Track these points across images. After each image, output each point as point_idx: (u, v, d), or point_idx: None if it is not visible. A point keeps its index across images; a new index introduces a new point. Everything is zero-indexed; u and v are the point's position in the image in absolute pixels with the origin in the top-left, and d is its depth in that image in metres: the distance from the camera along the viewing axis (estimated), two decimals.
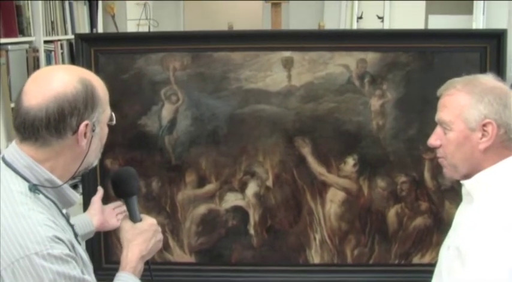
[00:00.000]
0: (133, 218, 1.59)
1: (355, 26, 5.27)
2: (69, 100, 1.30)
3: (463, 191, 1.59)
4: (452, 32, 2.25)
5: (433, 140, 1.60)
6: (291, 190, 2.26)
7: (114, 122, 1.45)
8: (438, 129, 1.59)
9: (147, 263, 1.57)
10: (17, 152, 1.34)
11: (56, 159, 1.34)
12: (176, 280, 2.28)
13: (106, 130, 1.43)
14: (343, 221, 2.26)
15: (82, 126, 1.33)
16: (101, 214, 1.83)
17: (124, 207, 1.70)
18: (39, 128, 1.30)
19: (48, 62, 4.37)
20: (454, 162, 1.55)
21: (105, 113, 1.40)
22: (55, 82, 1.32)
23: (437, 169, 2.18)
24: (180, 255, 2.30)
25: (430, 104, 2.11)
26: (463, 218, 1.56)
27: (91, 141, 1.37)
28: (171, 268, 2.27)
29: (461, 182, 1.58)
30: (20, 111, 1.31)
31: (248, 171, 2.26)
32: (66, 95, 1.30)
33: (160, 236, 1.60)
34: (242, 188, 2.27)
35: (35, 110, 1.29)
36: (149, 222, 1.60)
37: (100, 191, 1.91)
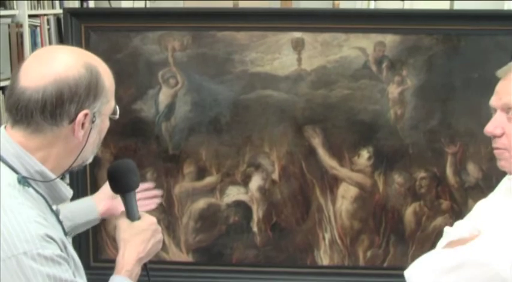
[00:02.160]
0: (130, 215, 1.57)
1: (372, 6, 5.24)
2: (70, 84, 1.29)
3: (507, 184, 1.56)
4: (481, 12, 2.23)
5: (493, 128, 1.52)
6: (299, 184, 2.26)
7: (117, 115, 1.44)
8: (499, 116, 1.51)
9: (144, 265, 1.56)
10: (6, 138, 1.33)
11: (48, 149, 1.33)
12: (172, 281, 2.28)
13: (107, 123, 1.42)
14: (355, 219, 2.27)
15: (81, 115, 1.32)
16: (111, 199, 1.79)
17: (153, 192, 1.66)
18: (34, 111, 1.29)
19: (33, 39, 4.37)
20: None
21: (108, 105, 1.39)
22: (58, 63, 1.31)
23: (460, 164, 2.20)
24: (176, 253, 2.31)
25: (455, 92, 2.17)
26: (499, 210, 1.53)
27: (89, 134, 1.36)
28: (166, 268, 2.28)
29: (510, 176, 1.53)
30: (14, 91, 1.30)
31: (252, 163, 2.26)
32: (68, 78, 1.29)
33: (160, 237, 1.59)
34: (245, 181, 2.27)
35: (31, 91, 1.28)
36: (148, 221, 1.58)
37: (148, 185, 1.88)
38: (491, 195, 1.64)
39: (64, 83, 1.29)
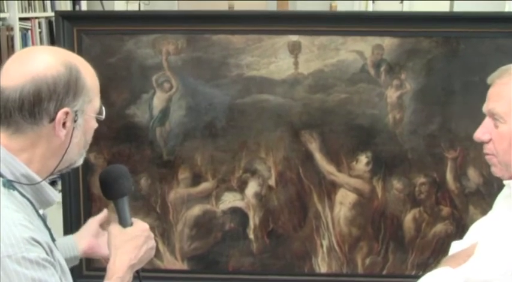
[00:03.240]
0: (123, 221, 1.57)
1: (370, 8, 5.27)
2: (48, 82, 1.31)
3: (506, 192, 1.58)
4: (481, 15, 2.24)
5: (481, 134, 1.56)
6: (296, 190, 2.26)
7: (103, 116, 1.44)
8: (487, 122, 1.56)
9: (137, 272, 1.56)
10: None
11: (32, 150, 1.34)
12: None
13: (93, 124, 1.43)
14: (353, 226, 2.27)
15: (60, 113, 1.32)
16: (94, 237, 1.77)
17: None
18: (12, 111, 1.30)
19: (24, 43, 4.37)
20: (506, 160, 1.52)
21: (91, 104, 1.39)
22: (36, 63, 1.32)
23: (461, 169, 2.21)
24: (171, 261, 2.31)
25: (454, 95, 2.17)
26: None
27: (72, 134, 1.36)
28: (160, 276, 2.28)
29: (506, 182, 1.55)
30: None
31: (248, 169, 2.27)
32: (46, 76, 1.31)
33: (152, 243, 1.59)
34: (241, 188, 2.28)
35: (10, 90, 1.30)
36: (141, 227, 1.58)
37: (104, 213, 1.83)
38: (490, 213, 1.66)
39: (42, 81, 1.30)
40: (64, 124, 1.34)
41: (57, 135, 1.34)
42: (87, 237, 1.78)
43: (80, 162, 1.47)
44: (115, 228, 1.56)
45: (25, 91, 1.29)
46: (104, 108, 1.44)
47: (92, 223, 1.79)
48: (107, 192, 1.60)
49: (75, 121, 1.35)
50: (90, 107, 1.39)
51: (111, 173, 1.61)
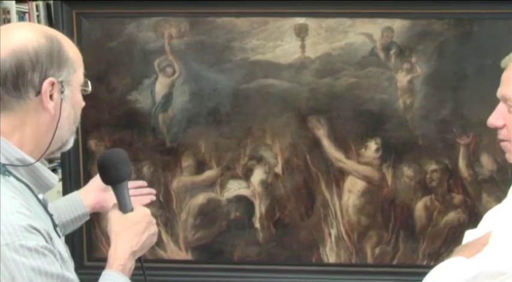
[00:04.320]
0: (123, 207, 1.57)
1: None
2: (29, 53, 1.31)
3: None
4: None
5: (494, 120, 1.55)
6: (303, 178, 2.26)
7: (89, 89, 1.45)
8: (501, 107, 1.55)
9: (139, 259, 1.57)
10: None
11: (22, 129, 1.34)
12: (170, 280, 2.29)
13: (79, 97, 1.43)
14: (362, 214, 2.27)
15: (46, 84, 1.32)
16: (101, 191, 1.79)
17: (147, 190, 1.63)
18: None
19: None
20: None
21: (76, 75, 1.39)
22: (16, 36, 1.33)
23: (474, 156, 2.19)
24: (174, 251, 2.31)
25: (467, 79, 2.16)
26: None
27: (61, 107, 1.36)
28: (164, 266, 2.28)
29: None
30: None
31: (254, 156, 2.26)
32: (27, 48, 1.31)
33: (154, 229, 1.59)
34: (247, 175, 2.28)
35: None
36: (142, 213, 1.58)
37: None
38: (504, 201, 1.65)
39: (23, 52, 1.30)
40: (51, 96, 1.34)
41: (46, 108, 1.34)
42: (94, 192, 1.79)
43: (71, 142, 1.46)
44: (115, 214, 1.56)
45: (6, 64, 1.30)
46: (89, 81, 1.44)
47: (97, 178, 1.78)
48: (106, 177, 1.60)
49: (62, 92, 1.35)
50: (75, 77, 1.39)
51: (109, 158, 1.61)
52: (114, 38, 2.21)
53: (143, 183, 2.09)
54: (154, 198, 2.08)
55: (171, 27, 2.20)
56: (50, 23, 4.51)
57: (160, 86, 2.23)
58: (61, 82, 1.35)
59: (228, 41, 2.19)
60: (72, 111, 1.40)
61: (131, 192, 1.76)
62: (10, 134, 1.33)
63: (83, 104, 1.45)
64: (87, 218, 1.81)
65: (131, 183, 1.88)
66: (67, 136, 1.42)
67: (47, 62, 1.32)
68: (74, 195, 1.81)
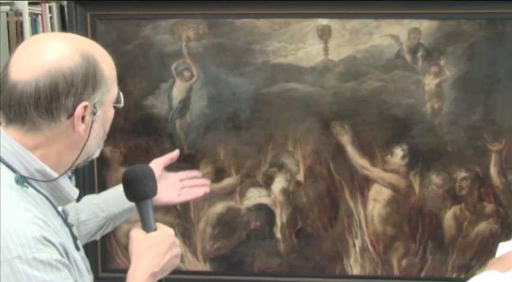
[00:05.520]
0: (146, 226, 1.56)
1: None
2: (65, 75, 1.29)
3: None
4: None
5: None
6: (326, 186, 2.25)
7: (122, 104, 1.44)
8: None
9: (159, 281, 1.55)
10: (3, 136, 1.32)
11: (48, 146, 1.33)
12: None
13: (111, 113, 1.43)
14: (388, 224, 2.25)
15: (79, 109, 1.31)
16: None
17: (201, 181, 1.77)
18: (27, 107, 1.29)
19: (34, 29, 4.38)
20: None
21: (110, 93, 1.39)
22: (50, 52, 1.31)
23: (506, 163, 2.17)
24: (192, 262, 2.31)
25: (499, 83, 2.14)
26: None
27: (91, 127, 1.36)
28: (181, 278, 2.24)
29: None
30: (6, 86, 1.30)
31: (275, 163, 2.26)
32: (63, 68, 1.29)
33: (177, 251, 1.58)
34: (267, 183, 2.27)
35: (23, 84, 1.28)
36: (165, 233, 1.57)
37: (174, 153, 1.96)
38: None
39: (58, 73, 1.29)
40: (83, 118, 1.33)
41: (77, 131, 1.33)
42: None
43: (97, 153, 1.47)
44: (137, 233, 1.55)
45: (41, 85, 1.28)
46: (121, 95, 1.44)
47: (156, 165, 1.82)
48: (130, 193, 1.59)
49: (94, 114, 1.34)
50: (109, 96, 1.39)
51: (134, 173, 1.60)
52: (129, 41, 2.22)
53: (197, 173, 2.08)
54: (208, 190, 2.06)
55: (189, 30, 2.20)
56: (64, 25, 4.53)
57: (178, 90, 2.23)
58: (94, 104, 1.34)
59: (248, 43, 2.19)
60: (102, 129, 1.41)
61: (185, 183, 1.89)
62: (33, 149, 1.33)
63: (113, 114, 1.45)
64: (132, 213, 1.82)
65: (185, 174, 1.96)
66: (93, 151, 1.43)
67: (82, 85, 1.31)
68: (118, 188, 1.80)
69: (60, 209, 1.41)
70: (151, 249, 1.52)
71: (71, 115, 1.31)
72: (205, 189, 2.05)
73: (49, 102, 1.29)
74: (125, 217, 1.85)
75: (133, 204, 1.72)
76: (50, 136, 1.33)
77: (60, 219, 1.39)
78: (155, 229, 1.56)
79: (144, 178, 1.59)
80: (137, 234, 1.55)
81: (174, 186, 1.90)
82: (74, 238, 1.42)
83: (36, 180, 1.32)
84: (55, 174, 1.35)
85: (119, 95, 1.43)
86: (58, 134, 1.33)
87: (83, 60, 1.32)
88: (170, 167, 2.24)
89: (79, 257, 1.40)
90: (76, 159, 1.38)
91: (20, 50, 1.34)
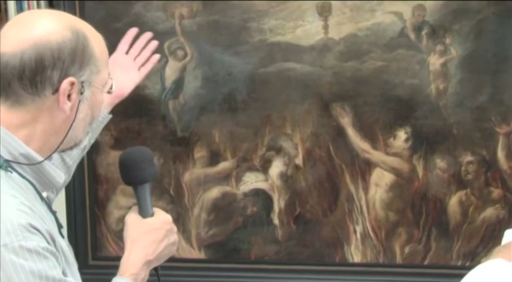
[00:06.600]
0: (142, 211, 1.54)
1: None
2: (52, 48, 1.28)
3: None
4: None
5: None
6: (325, 170, 2.25)
7: (113, 90, 1.43)
8: None
9: (155, 270, 1.54)
10: None
11: (32, 126, 1.31)
12: (181, 281, 2.29)
13: (101, 98, 1.40)
14: (391, 210, 2.25)
15: (65, 83, 1.29)
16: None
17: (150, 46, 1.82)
18: (11, 79, 1.27)
19: (19, 7, 4.34)
20: None
21: (100, 76, 1.36)
22: (39, 27, 1.30)
23: None
24: (186, 250, 2.32)
25: (508, 62, 2.12)
26: None
27: (78, 108, 1.33)
28: (175, 266, 2.22)
29: None
30: None
31: (272, 146, 2.25)
32: (50, 42, 1.28)
33: (174, 238, 1.55)
34: (265, 167, 2.27)
35: (8, 56, 1.27)
36: (162, 219, 1.55)
37: (132, 31, 1.97)
38: None
39: (45, 46, 1.27)
40: (69, 96, 1.31)
41: (62, 108, 1.31)
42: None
43: (85, 141, 1.46)
44: (133, 218, 1.53)
45: (26, 57, 1.26)
46: (113, 81, 1.43)
47: (124, 58, 1.89)
48: (126, 177, 1.57)
49: (81, 93, 1.32)
50: (98, 78, 1.36)
51: (132, 155, 1.58)
52: (120, 19, 2.21)
53: (147, 36, 2.02)
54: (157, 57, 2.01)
55: (182, 7, 2.20)
56: (51, 3, 4.50)
57: (171, 70, 2.24)
58: (82, 82, 1.32)
59: (244, 21, 2.18)
60: (89, 112, 1.38)
61: (139, 60, 1.90)
62: (17, 129, 1.31)
63: (103, 101, 1.44)
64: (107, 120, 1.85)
65: (136, 49, 1.94)
66: (80, 136, 1.40)
67: (70, 59, 1.29)
68: None
69: (44, 195, 1.39)
70: (147, 235, 1.50)
71: (56, 90, 1.30)
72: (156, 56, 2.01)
73: (34, 74, 1.28)
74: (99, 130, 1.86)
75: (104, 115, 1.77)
76: (35, 112, 1.31)
77: (45, 206, 1.37)
78: (152, 214, 1.55)
79: (143, 162, 1.57)
80: (132, 220, 1.53)
81: (132, 67, 1.91)
82: (59, 226, 1.40)
83: (20, 163, 1.31)
84: (39, 158, 1.33)
85: (110, 81, 1.41)
86: (43, 111, 1.31)
87: (72, 35, 1.30)
88: (164, 151, 2.26)
89: (65, 245, 1.37)
90: (61, 142, 1.35)
91: (10, 24, 1.33)
